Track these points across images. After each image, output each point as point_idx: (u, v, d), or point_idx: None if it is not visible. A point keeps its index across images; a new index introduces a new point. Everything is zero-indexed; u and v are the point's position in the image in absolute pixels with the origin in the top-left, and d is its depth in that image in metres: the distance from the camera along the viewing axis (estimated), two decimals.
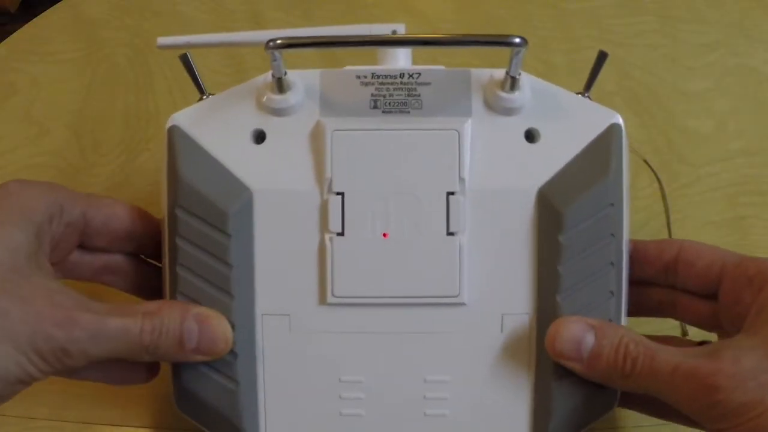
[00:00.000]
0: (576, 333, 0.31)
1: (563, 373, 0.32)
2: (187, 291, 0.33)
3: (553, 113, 0.34)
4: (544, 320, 0.33)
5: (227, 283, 0.33)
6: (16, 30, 0.59)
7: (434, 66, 0.35)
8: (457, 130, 0.34)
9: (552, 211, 0.33)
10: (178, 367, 0.33)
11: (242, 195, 0.33)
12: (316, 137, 0.34)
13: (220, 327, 0.32)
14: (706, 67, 0.56)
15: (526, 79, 0.34)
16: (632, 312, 0.36)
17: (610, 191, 0.33)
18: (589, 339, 0.31)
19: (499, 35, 0.31)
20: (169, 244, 0.34)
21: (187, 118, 0.34)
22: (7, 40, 0.59)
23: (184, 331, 0.31)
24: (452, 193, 0.33)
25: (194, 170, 0.34)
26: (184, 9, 0.60)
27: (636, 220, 0.48)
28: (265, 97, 0.34)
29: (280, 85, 0.34)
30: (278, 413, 0.33)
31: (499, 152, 0.34)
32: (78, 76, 0.56)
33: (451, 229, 0.33)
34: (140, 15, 0.60)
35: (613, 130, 0.34)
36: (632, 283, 0.35)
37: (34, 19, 0.60)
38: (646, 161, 0.51)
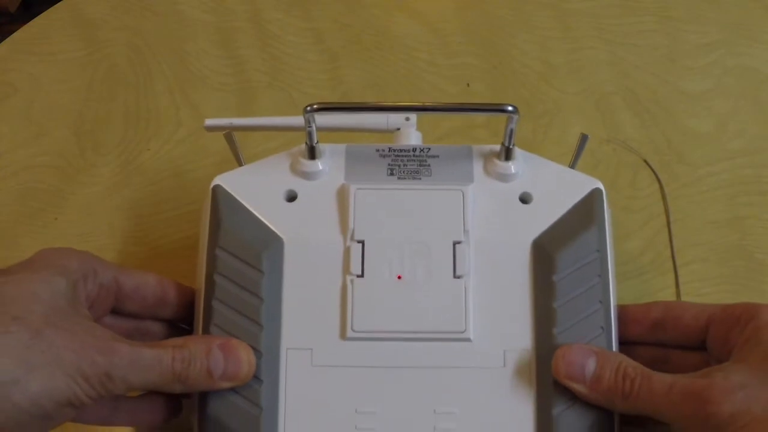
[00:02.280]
0: (580, 357, 0.34)
1: (563, 405, 0.35)
2: (221, 322, 0.36)
3: (543, 180, 0.39)
4: (542, 354, 0.36)
5: (258, 315, 0.36)
6: (16, 30, 0.59)
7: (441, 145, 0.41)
8: (461, 190, 0.38)
9: (545, 256, 0.37)
10: (204, 397, 0.35)
11: (275, 242, 0.37)
12: (341, 196, 0.38)
13: (243, 352, 0.34)
14: (706, 67, 0.56)
15: (519, 152, 0.39)
16: None
17: (595, 239, 0.37)
18: (592, 363, 0.34)
19: (495, 104, 0.38)
20: (206, 283, 0.37)
21: (229, 179, 0.39)
22: (7, 40, 0.59)
23: (211, 359, 0.33)
24: (458, 243, 0.37)
25: (234, 220, 0.38)
26: (184, 9, 0.60)
27: (636, 220, 0.48)
28: (298, 163, 0.39)
29: (312, 153, 0.39)
30: None
31: (498, 211, 0.38)
32: (78, 76, 0.56)
33: (458, 273, 0.37)
34: (140, 15, 0.60)
35: (595, 194, 0.39)
36: (622, 343, 0.37)
37: (34, 19, 0.60)
38: (646, 161, 0.51)
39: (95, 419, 0.36)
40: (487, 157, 0.39)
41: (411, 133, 0.42)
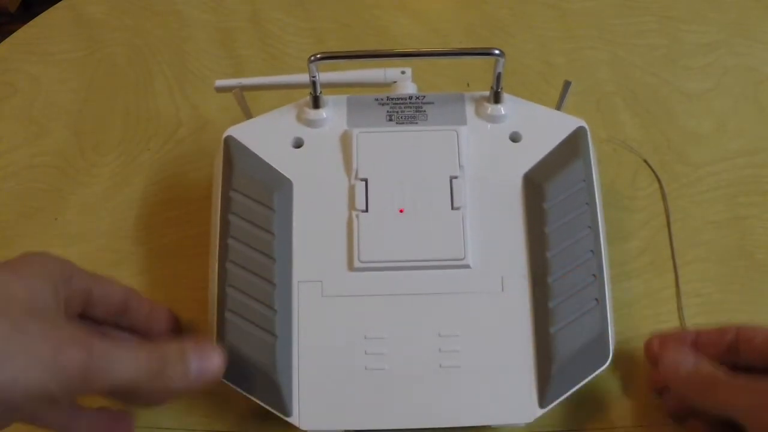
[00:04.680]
0: (678, 354, 0.37)
1: (559, 324, 0.37)
2: (236, 258, 0.38)
3: (531, 121, 0.41)
4: (537, 278, 0.38)
5: (270, 249, 0.38)
6: (16, 30, 0.59)
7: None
8: (456, 131, 0.41)
9: (536, 186, 0.39)
10: (222, 329, 0.37)
11: (284, 184, 0.40)
12: (345, 140, 0.41)
13: (213, 350, 0.35)
14: (706, 67, 0.56)
15: (507, 96, 0.42)
16: None
17: (581, 170, 0.40)
18: (690, 360, 0.36)
19: (483, 48, 0.39)
20: (221, 223, 0.39)
21: (239, 130, 0.41)
22: (7, 40, 0.59)
23: (186, 357, 0.34)
24: (455, 177, 0.39)
25: (246, 165, 0.40)
26: (184, 9, 0.60)
27: (636, 220, 0.48)
28: (303, 112, 0.42)
29: (316, 102, 0.41)
30: (310, 368, 0.37)
31: (490, 150, 0.41)
32: (78, 76, 0.56)
33: (455, 205, 0.39)
34: (140, 15, 0.60)
35: (580, 131, 0.41)
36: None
37: (34, 19, 0.60)
38: (646, 161, 0.51)
39: (53, 424, 0.35)
40: (478, 101, 0.42)
41: (407, 85, 0.45)
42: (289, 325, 0.37)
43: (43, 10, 0.61)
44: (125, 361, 0.32)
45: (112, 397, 0.34)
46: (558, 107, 0.43)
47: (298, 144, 0.41)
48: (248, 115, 0.44)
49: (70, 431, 0.36)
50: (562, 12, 0.59)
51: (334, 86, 0.45)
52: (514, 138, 0.41)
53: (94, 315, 0.38)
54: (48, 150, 0.52)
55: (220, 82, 0.46)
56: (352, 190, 0.39)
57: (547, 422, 0.37)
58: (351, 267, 0.38)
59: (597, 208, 0.39)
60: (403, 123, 0.41)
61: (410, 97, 0.42)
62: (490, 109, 0.41)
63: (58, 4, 0.61)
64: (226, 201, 0.39)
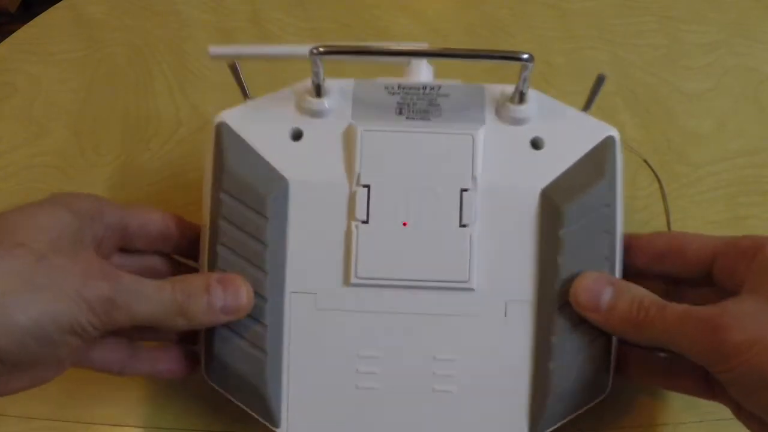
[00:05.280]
0: (597, 286, 0.34)
1: (559, 360, 0.35)
2: (225, 267, 0.36)
3: (557, 125, 0.37)
4: (543, 308, 0.36)
5: (262, 261, 0.36)
6: (16, 30, 0.59)
7: (452, 81, 0.39)
8: (471, 135, 0.37)
9: (553, 208, 0.36)
10: (210, 338, 0.36)
11: (280, 184, 0.37)
12: (348, 136, 0.37)
13: (241, 285, 0.35)
14: (706, 67, 0.56)
15: (533, 94, 0.38)
16: None
17: (605, 193, 0.36)
18: (608, 292, 0.34)
19: (510, 51, 0.35)
20: (210, 227, 0.37)
21: (234, 116, 0.38)
22: (7, 40, 0.59)
23: (211, 292, 0.34)
24: (466, 190, 0.36)
25: (238, 161, 0.37)
26: (184, 9, 0.60)
27: (636, 220, 0.48)
28: (304, 100, 0.38)
29: (318, 90, 0.37)
30: (300, 383, 0.36)
31: (508, 156, 0.37)
32: (78, 76, 0.56)
33: (464, 222, 0.36)
34: (140, 15, 0.60)
35: (608, 141, 0.37)
36: (629, 275, 0.37)
37: (34, 19, 0.60)
38: (646, 161, 0.51)
39: (112, 364, 0.36)
40: (500, 98, 0.38)
41: (422, 65, 0.41)
42: (279, 339, 0.36)
43: (43, 10, 0.61)
44: (150, 294, 0.32)
45: (139, 329, 0.34)
46: (586, 107, 0.39)
47: (297, 135, 0.37)
48: (244, 91, 0.40)
49: (129, 371, 0.37)
50: (562, 12, 0.59)
51: (340, 53, 0.39)
52: (536, 144, 0.37)
53: (136, 247, 0.38)
54: (48, 150, 0.52)
55: (215, 49, 0.41)
56: (352, 197, 0.36)
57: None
58: (347, 281, 0.36)
59: (616, 237, 0.36)
60: (413, 118, 0.37)
61: (424, 87, 0.38)
62: (512, 110, 0.37)
63: (58, 4, 0.61)
64: (217, 204, 0.37)
